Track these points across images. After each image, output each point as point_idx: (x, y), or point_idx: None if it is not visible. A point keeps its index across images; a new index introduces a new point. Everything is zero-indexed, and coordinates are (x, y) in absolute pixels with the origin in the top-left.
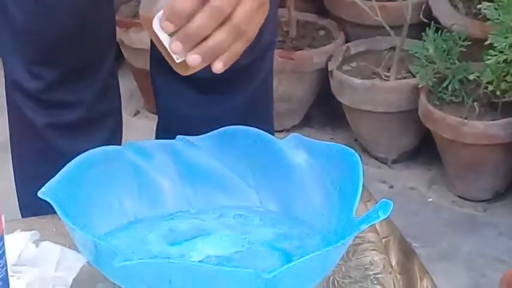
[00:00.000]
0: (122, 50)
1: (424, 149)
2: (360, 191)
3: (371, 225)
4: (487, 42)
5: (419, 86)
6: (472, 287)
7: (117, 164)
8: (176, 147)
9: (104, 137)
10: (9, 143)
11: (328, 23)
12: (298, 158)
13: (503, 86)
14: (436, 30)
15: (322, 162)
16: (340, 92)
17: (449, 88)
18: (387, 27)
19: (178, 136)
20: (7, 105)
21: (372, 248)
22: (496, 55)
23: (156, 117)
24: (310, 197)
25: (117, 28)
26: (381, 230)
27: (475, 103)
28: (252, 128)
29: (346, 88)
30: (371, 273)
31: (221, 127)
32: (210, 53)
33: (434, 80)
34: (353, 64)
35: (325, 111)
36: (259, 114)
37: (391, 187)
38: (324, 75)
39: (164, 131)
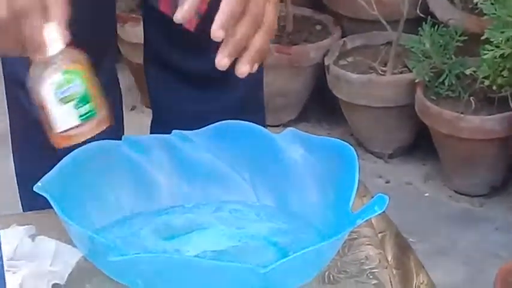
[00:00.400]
0: (119, 45)
1: (421, 143)
2: (356, 185)
3: (367, 220)
4: (483, 37)
5: (416, 80)
6: (468, 282)
7: (113, 158)
8: (172, 142)
9: (106, 132)
10: (4, 138)
11: (325, 18)
12: (294, 153)
13: (499, 80)
14: (433, 25)
15: (318, 156)
16: (337, 87)
17: (446, 83)
18: (384, 22)
19: (174, 131)
20: (8, 103)
21: (368, 242)
22: (492, 50)
23: None
24: (306, 192)
25: None
26: (376, 225)
27: (471, 98)
28: (248, 122)
29: (342, 83)
30: (367, 268)
31: (216, 122)
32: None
33: (431, 74)
34: (349, 59)
35: (321, 106)
36: (252, 109)
37: (388, 182)
38: (321, 70)
39: (158, 127)
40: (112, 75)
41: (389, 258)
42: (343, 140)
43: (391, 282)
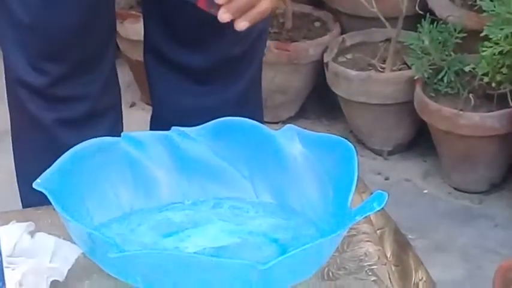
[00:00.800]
0: (118, 42)
1: (420, 140)
2: (355, 182)
3: (366, 217)
4: (482, 34)
5: (415, 77)
6: (467, 279)
7: (112, 155)
8: (171, 139)
9: (106, 129)
10: (4, 134)
11: (324, 15)
12: (294, 149)
13: (498, 77)
14: (432, 22)
15: (317, 153)
16: (336, 84)
17: (445, 80)
18: (383, 19)
19: (173, 127)
20: (9, 103)
21: (367, 239)
22: (491, 47)
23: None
24: (305, 188)
25: None
26: (375, 222)
27: (470, 95)
28: (248, 119)
29: (341, 80)
30: (366, 264)
31: (214, 118)
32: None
33: (430, 71)
34: (348, 56)
35: (320, 103)
36: (251, 104)
37: (387, 179)
38: (320, 66)
39: (158, 122)
40: (111, 72)
41: (388, 255)
42: (342, 137)
43: (390, 278)
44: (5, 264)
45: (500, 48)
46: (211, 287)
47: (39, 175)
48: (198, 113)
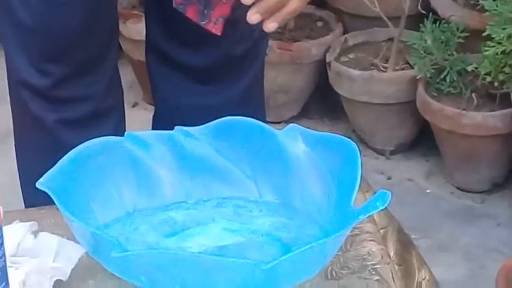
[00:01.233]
0: (120, 42)
1: (422, 140)
2: (358, 181)
3: (369, 216)
4: (485, 34)
5: (417, 77)
6: (470, 278)
7: (115, 154)
8: (174, 138)
9: (110, 129)
10: (7, 135)
11: (327, 14)
12: (297, 149)
13: (501, 77)
14: (434, 22)
15: (320, 152)
16: (338, 84)
17: (447, 79)
18: (385, 19)
19: (176, 127)
20: (11, 104)
21: (370, 238)
22: (494, 46)
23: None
24: (309, 188)
25: None
26: (379, 221)
27: (473, 94)
28: (250, 118)
29: (344, 79)
30: (369, 263)
31: (217, 117)
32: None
33: (432, 71)
34: (351, 55)
35: (323, 103)
36: (253, 103)
37: (389, 178)
38: (322, 66)
39: (160, 121)
40: (114, 73)
41: (391, 254)
42: (345, 137)
43: (393, 278)
44: (8, 263)
45: (502, 48)
46: (214, 286)
47: (42, 175)
48: (200, 112)
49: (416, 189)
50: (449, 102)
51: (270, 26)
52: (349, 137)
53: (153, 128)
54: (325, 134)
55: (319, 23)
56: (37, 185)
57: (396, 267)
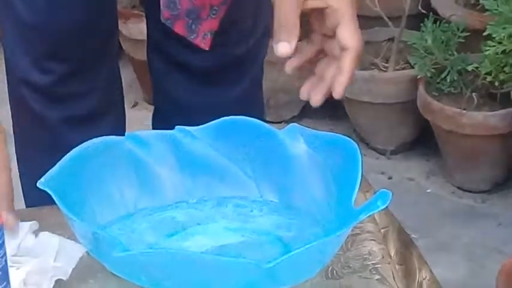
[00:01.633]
0: (121, 42)
1: (423, 140)
2: (359, 180)
3: (370, 216)
4: (485, 33)
5: (418, 77)
6: (470, 278)
7: (116, 154)
8: (175, 138)
9: (110, 127)
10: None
11: None
12: (297, 149)
13: (501, 76)
14: (435, 21)
15: (321, 152)
16: None
17: (448, 79)
18: (386, 18)
19: (177, 127)
20: (11, 103)
21: (371, 238)
22: (494, 46)
23: None
24: (309, 187)
25: None
26: (379, 220)
27: (473, 94)
28: (251, 118)
29: None
30: (370, 263)
31: (218, 116)
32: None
33: (433, 71)
34: None
35: (324, 103)
36: (254, 103)
37: (390, 178)
38: None
39: (161, 120)
40: (114, 72)
41: (392, 254)
42: (346, 136)
43: (394, 277)
44: (9, 263)
45: (503, 48)
46: (215, 285)
47: (41, 172)
48: (201, 112)
49: (417, 189)
50: (450, 102)
51: (341, 94)
52: (349, 137)
53: (153, 127)
54: (326, 133)
55: None
56: (38, 184)
57: (397, 266)
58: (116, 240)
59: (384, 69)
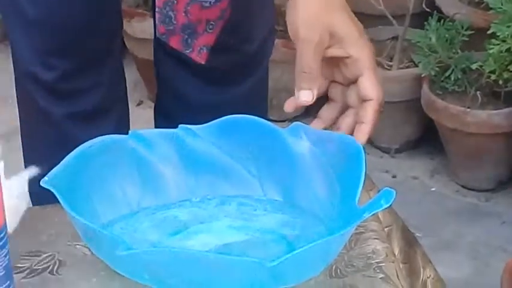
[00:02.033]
0: (125, 40)
1: (427, 138)
2: (363, 179)
3: (374, 214)
4: (489, 32)
5: (422, 75)
6: (475, 276)
7: (119, 153)
8: (178, 136)
9: (114, 125)
10: (13, 133)
11: None
12: (301, 147)
13: (505, 75)
14: (439, 20)
15: (325, 150)
16: None
17: (452, 77)
18: (390, 17)
19: (180, 125)
20: (18, 98)
21: (375, 236)
22: (498, 44)
23: None
24: (313, 186)
25: None
26: (383, 219)
27: (477, 92)
28: (255, 117)
29: None
30: (374, 262)
31: (222, 115)
32: None
33: (437, 69)
34: None
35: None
36: (258, 102)
37: (394, 177)
38: None
39: (163, 117)
40: (118, 70)
41: (396, 252)
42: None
43: (397, 276)
44: None
45: (507, 46)
46: (218, 284)
47: (50, 170)
48: (206, 109)
49: (421, 188)
50: (454, 101)
51: (364, 141)
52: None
53: (156, 124)
54: (329, 132)
55: None
56: (41, 183)
57: (401, 265)
58: (119, 239)
59: (388, 67)
